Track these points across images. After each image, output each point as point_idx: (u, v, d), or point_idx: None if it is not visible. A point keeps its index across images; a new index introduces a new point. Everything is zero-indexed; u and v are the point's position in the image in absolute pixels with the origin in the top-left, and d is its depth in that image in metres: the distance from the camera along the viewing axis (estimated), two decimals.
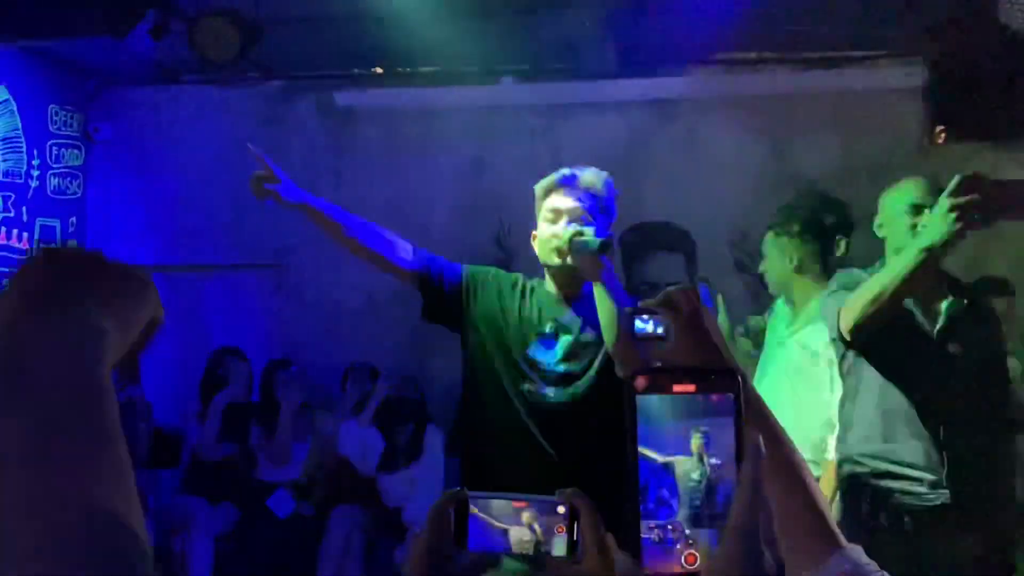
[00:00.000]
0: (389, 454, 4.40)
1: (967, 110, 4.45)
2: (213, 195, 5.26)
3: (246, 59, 4.21)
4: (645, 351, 1.16)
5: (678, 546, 0.70)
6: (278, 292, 5.29)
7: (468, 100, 5.04)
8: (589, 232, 2.26)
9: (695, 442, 0.71)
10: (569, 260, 2.29)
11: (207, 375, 4.61)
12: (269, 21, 4.33)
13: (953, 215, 2.13)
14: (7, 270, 4.78)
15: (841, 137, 4.71)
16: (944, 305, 2.52)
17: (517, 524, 0.88)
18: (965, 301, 2.53)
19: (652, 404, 0.71)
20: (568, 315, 2.36)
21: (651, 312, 1.12)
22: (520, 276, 2.50)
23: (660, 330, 1.10)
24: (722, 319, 3.48)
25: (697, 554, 0.69)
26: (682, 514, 0.70)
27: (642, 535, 0.70)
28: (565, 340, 2.34)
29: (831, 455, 2.83)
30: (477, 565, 0.90)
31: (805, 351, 2.93)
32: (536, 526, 0.89)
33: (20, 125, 4.85)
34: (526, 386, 2.30)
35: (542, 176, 2.43)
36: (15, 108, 4.80)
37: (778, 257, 3.08)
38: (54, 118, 5.11)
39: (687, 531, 0.70)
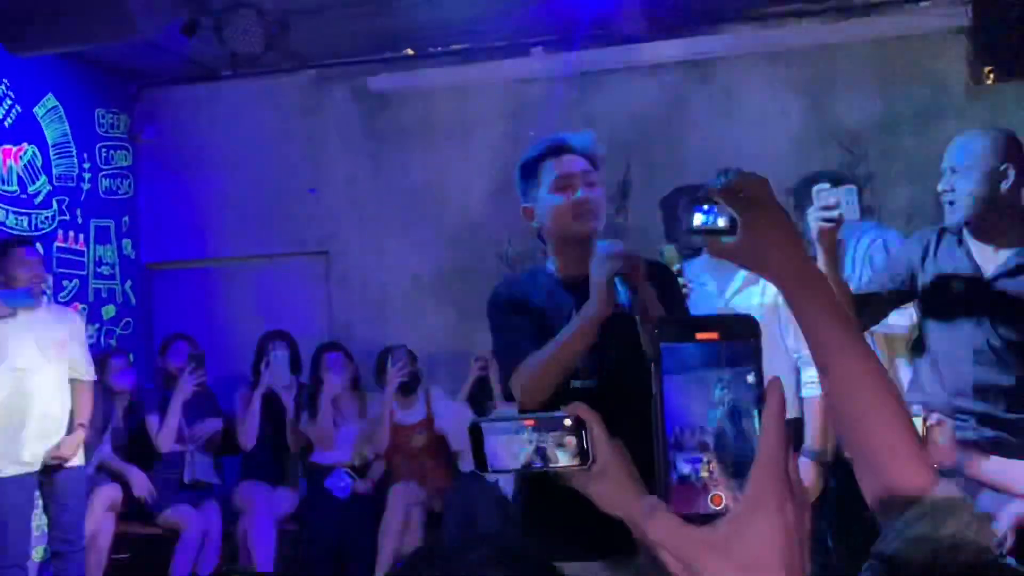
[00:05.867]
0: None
1: (1016, 48, 4.27)
2: (257, 187, 5.36)
3: (276, 50, 4.27)
4: (708, 247, 1.04)
5: (705, 488, 0.71)
6: (326, 278, 5.38)
7: (500, 74, 5.03)
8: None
9: (720, 387, 0.73)
10: (580, 227, 2.19)
11: (256, 360, 4.73)
12: (296, 11, 4.38)
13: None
14: (67, 271, 4.96)
15: (882, 86, 4.56)
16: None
17: (529, 441, 0.92)
18: None
19: (676, 352, 0.73)
20: (577, 300, 2.17)
21: (714, 202, 0.99)
22: (523, 277, 2.37)
23: (722, 223, 0.99)
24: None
25: (723, 495, 0.71)
26: (708, 457, 0.72)
27: (669, 477, 0.72)
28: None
29: (807, 392, 3.09)
30: None
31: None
32: (547, 440, 0.92)
33: (69, 130, 5.00)
34: (575, 383, 2.15)
35: None
36: (63, 114, 4.96)
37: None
38: (101, 121, 5.26)
39: (714, 473, 0.71)
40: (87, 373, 4.07)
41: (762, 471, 0.68)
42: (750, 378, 0.72)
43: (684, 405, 0.72)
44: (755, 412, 0.71)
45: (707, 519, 0.70)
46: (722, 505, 0.70)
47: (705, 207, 1.00)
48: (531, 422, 0.92)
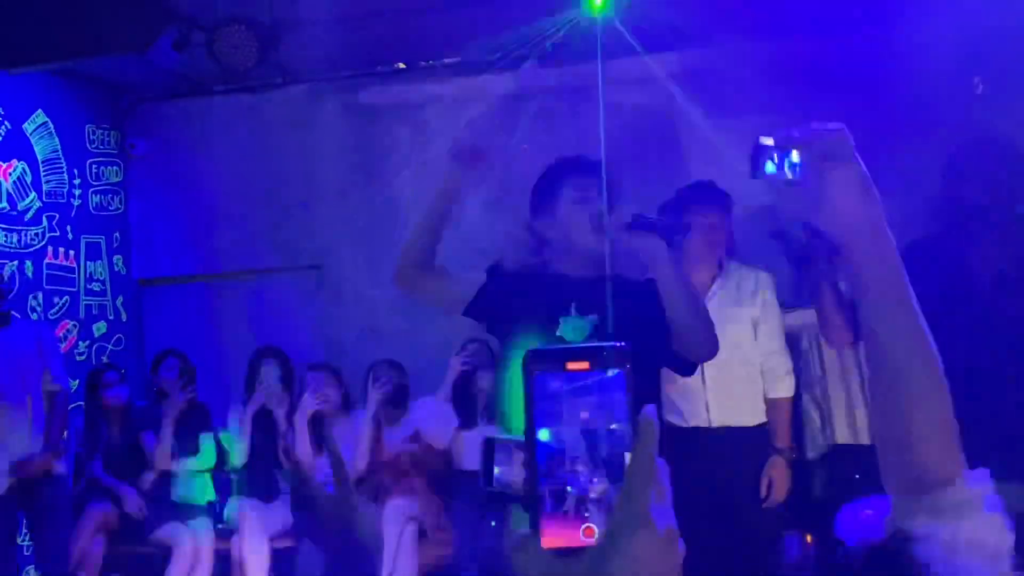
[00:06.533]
0: (466, 420, 4.44)
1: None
2: (249, 202, 5.35)
3: (267, 65, 4.26)
4: (777, 198, 0.97)
5: (576, 519, 0.71)
6: (318, 293, 5.36)
7: (492, 88, 5.03)
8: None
9: (590, 417, 0.73)
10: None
11: (249, 376, 4.71)
12: (287, 25, 4.38)
13: None
14: (58, 288, 4.93)
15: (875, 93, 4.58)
16: None
17: None
18: None
19: (547, 382, 0.73)
20: (586, 296, 2.33)
21: (785, 151, 0.91)
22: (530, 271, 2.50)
23: (791, 175, 0.90)
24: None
25: (594, 527, 0.70)
26: (579, 488, 0.71)
27: (540, 508, 0.71)
28: (592, 320, 2.31)
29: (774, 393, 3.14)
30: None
31: None
32: None
33: (59, 146, 4.99)
34: None
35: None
36: (53, 130, 4.95)
37: None
38: (91, 137, 5.25)
39: (586, 504, 0.71)
40: (54, 384, 4.07)
41: (625, 506, 0.68)
42: (621, 408, 0.72)
43: (555, 435, 0.72)
44: (626, 443, 0.71)
45: (578, 552, 0.69)
46: (594, 537, 0.70)
47: (776, 156, 0.92)
48: None
